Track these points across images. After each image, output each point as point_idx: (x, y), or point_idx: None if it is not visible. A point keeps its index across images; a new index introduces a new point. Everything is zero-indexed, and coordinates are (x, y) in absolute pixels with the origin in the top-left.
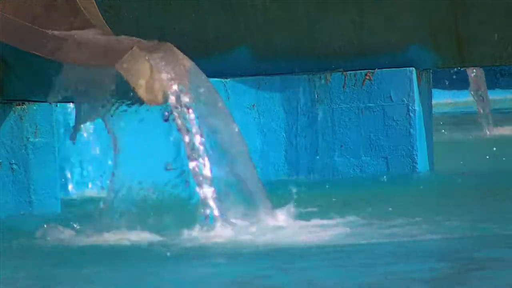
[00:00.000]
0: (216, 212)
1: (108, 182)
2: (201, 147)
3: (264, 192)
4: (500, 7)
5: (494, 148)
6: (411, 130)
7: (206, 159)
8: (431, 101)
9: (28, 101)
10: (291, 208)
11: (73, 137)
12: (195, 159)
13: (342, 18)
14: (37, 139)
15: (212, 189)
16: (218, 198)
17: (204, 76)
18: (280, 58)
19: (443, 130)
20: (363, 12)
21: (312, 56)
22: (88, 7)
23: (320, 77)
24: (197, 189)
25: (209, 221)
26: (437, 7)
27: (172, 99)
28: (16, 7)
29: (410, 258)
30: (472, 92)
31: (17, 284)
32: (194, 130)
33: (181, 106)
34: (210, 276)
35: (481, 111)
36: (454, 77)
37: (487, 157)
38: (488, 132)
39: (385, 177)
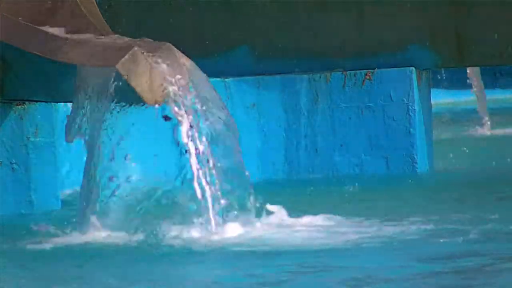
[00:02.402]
0: (212, 211)
1: (103, 181)
2: (201, 147)
3: (252, 193)
4: (500, 7)
5: (494, 147)
6: (411, 129)
7: (206, 157)
8: (431, 100)
9: (29, 100)
10: (290, 207)
11: (69, 139)
12: (195, 158)
13: (342, 18)
14: (37, 139)
15: (212, 188)
16: (218, 196)
17: (204, 75)
18: (280, 58)
19: (443, 130)
20: (363, 12)
21: (312, 56)
22: (88, 7)
23: (320, 76)
24: (196, 187)
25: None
26: (437, 7)
27: (172, 98)
28: (17, 7)
29: (410, 258)
30: (474, 91)
31: (17, 283)
32: (194, 129)
33: (181, 105)
34: (210, 276)
35: (481, 110)
36: (454, 76)
37: (487, 156)
38: (488, 132)
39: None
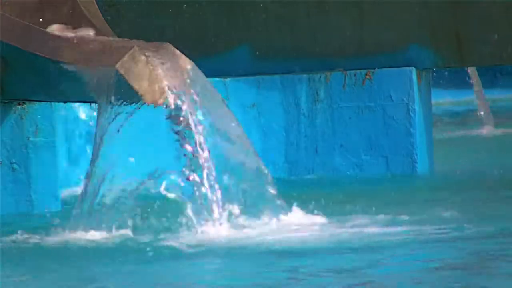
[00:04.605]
0: (217, 211)
1: (102, 180)
2: (202, 146)
3: (275, 189)
4: (500, 7)
5: (494, 147)
6: (411, 129)
7: (207, 157)
8: (431, 100)
9: (29, 100)
10: (291, 207)
11: None
12: (196, 158)
13: (342, 18)
14: (37, 139)
15: (213, 187)
16: (222, 196)
17: (203, 76)
18: (280, 57)
19: (443, 129)
20: (363, 12)
21: (312, 56)
22: (88, 7)
23: (320, 76)
24: (199, 188)
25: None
26: (437, 7)
27: (172, 98)
28: (18, 7)
29: (411, 258)
30: (475, 91)
31: (17, 283)
32: (194, 129)
33: (181, 105)
34: (207, 274)
35: (481, 110)
36: (454, 76)
37: (487, 156)
38: (488, 131)
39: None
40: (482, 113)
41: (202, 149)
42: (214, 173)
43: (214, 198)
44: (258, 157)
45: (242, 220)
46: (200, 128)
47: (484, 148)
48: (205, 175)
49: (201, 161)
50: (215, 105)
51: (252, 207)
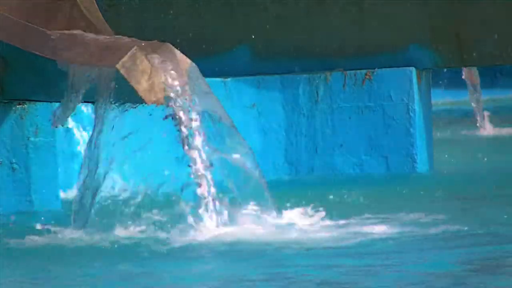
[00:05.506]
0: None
1: (100, 180)
2: (200, 146)
3: (267, 190)
4: (500, 7)
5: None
6: (411, 129)
7: (204, 158)
8: (431, 100)
9: (29, 100)
10: (291, 207)
11: (56, 124)
12: (194, 158)
13: (342, 18)
14: (37, 139)
15: (210, 187)
16: (217, 196)
17: (202, 77)
18: (280, 57)
19: (443, 130)
20: (363, 12)
21: (312, 56)
22: (88, 7)
23: (320, 76)
24: (197, 188)
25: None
26: (437, 7)
27: (172, 98)
28: (17, 6)
29: (411, 258)
30: (469, 92)
31: (17, 284)
32: (193, 129)
33: (180, 105)
34: (206, 274)
35: (476, 110)
36: (453, 76)
37: (487, 156)
38: (488, 132)
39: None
40: (480, 114)
41: (199, 147)
42: (210, 175)
43: (211, 196)
44: (254, 157)
45: (238, 218)
46: (196, 126)
47: (484, 148)
48: (201, 171)
49: (200, 166)
50: (211, 106)
51: (248, 206)
